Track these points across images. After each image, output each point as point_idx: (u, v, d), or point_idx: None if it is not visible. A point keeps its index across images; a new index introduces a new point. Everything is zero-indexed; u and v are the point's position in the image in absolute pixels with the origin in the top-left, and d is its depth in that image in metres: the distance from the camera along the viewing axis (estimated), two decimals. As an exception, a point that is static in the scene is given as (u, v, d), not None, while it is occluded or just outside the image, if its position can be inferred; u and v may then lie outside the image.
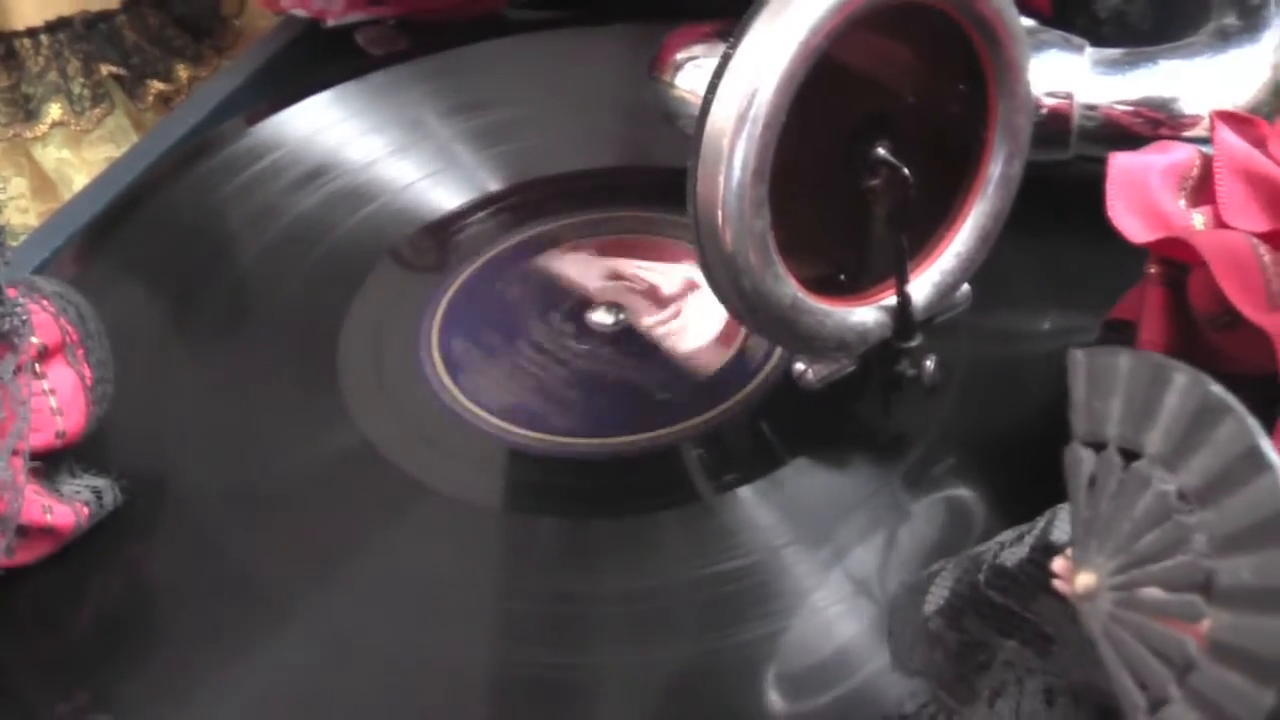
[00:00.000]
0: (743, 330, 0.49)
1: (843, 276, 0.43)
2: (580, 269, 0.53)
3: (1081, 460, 0.24)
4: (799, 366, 0.44)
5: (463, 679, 0.41)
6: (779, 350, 0.49)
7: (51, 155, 0.66)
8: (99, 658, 0.41)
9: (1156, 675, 0.23)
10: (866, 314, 0.43)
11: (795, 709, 0.38)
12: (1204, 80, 0.50)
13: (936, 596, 0.30)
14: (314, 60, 0.65)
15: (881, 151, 0.42)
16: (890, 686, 0.36)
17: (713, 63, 0.47)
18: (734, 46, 0.38)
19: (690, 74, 0.53)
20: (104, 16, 0.68)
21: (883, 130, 0.42)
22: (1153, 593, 0.23)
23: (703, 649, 0.40)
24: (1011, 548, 0.28)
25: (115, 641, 0.42)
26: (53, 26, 0.66)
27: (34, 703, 0.40)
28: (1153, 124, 0.51)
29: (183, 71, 0.70)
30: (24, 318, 0.42)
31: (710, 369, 0.48)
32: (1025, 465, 0.42)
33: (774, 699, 0.38)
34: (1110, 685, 0.25)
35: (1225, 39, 0.51)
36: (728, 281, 0.40)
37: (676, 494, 0.45)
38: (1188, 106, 0.50)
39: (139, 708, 0.40)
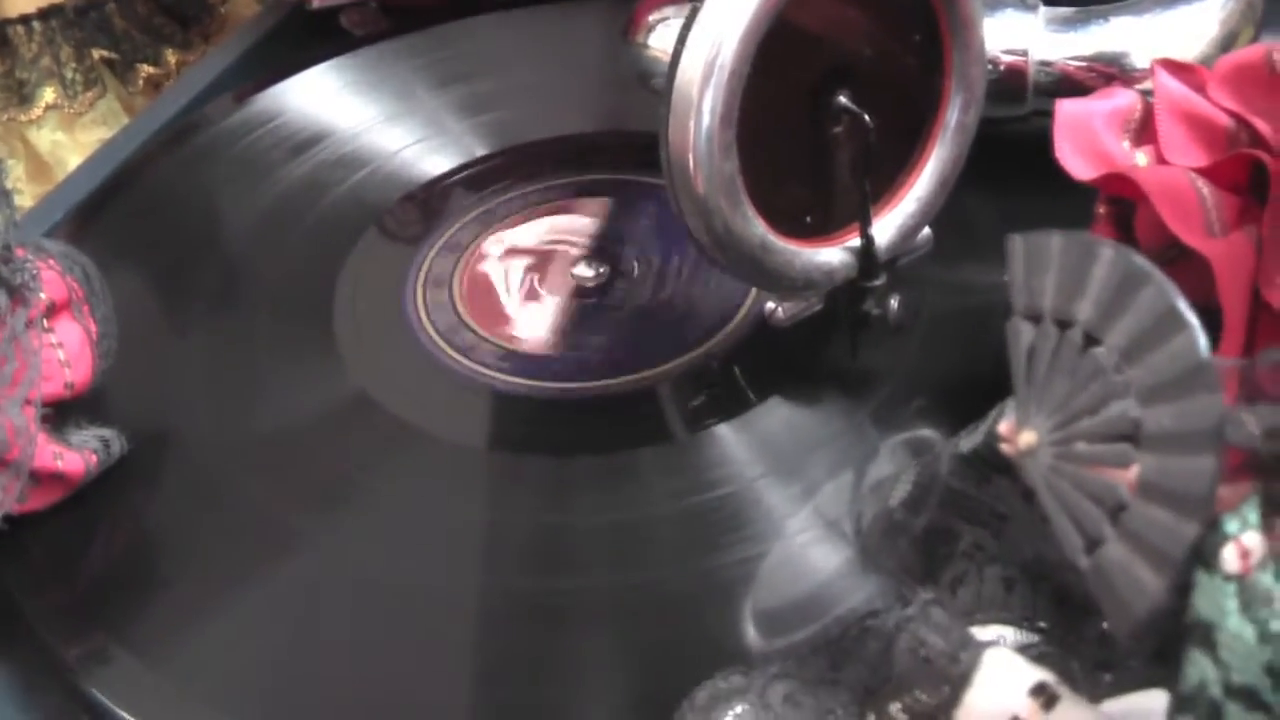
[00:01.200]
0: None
1: (809, 219, 0.46)
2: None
3: (1021, 333, 0.27)
4: (769, 305, 0.46)
5: (457, 605, 0.43)
6: (750, 297, 0.51)
7: (46, 138, 0.68)
8: (111, 598, 0.43)
9: (1092, 517, 0.25)
10: (832, 254, 0.46)
11: (769, 618, 0.40)
12: (1154, 36, 0.53)
13: (901, 490, 0.32)
14: (300, 42, 0.67)
15: (843, 100, 0.44)
16: (857, 591, 0.39)
17: (682, 21, 0.49)
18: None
19: (662, 34, 0.55)
20: (94, 4, 0.70)
21: (844, 81, 0.44)
22: (1086, 445, 0.26)
23: (683, 573, 0.42)
24: (967, 437, 0.31)
25: (127, 582, 0.44)
26: (45, 14, 0.68)
27: (51, 644, 0.42)
28: (1105, 78, 0.53)
29: (171, 57, 0.72)
30: (34, 273, 0.44)
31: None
32: (986, 405, 0.44)
33: (749, 610, 0.40)
34: (1057, 555, 0.27)
35: (1174, -4, 0.53)
36: (699, 223, 0.43)
37: (656, 433, 0.48)
38: (1139, 61, 0.53)
39: (153, 644, 0.42)
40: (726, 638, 0.39)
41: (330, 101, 0.63)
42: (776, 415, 0.47)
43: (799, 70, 0.43)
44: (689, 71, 0.41)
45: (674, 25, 0.54)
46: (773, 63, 0.42)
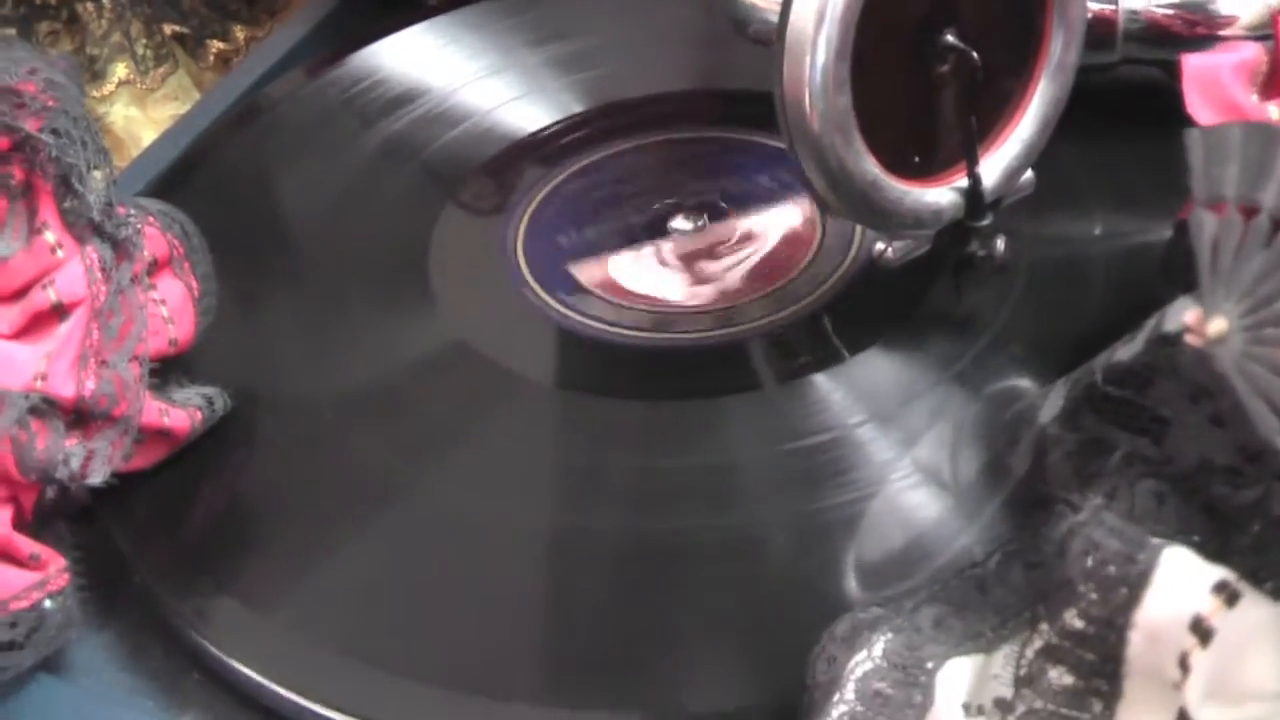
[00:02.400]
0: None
1: (917, 159, 0.45)
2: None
3: (1204, 222, 0.26)
4: (879, 246, 0.46)
5: (558, 547, 0.43)
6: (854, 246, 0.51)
7: (120, 114, 0.68)
8: (218, 552, 0.43)
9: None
10: (940, 194, 0.46)
11: (868, 567, 0.40)
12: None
13: (1052, 405, 0.32)
14: (370, 15, 0.67)
15: (950, 38, 0.44)
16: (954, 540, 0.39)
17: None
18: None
19: (758, -20, 0.55)
20: (161, -19, 0.70)
21: (949, 19, 0.44)
22: (1277, 329, 0.25)
23: (783, 515, 0.42)
24: (1124, 348, 0.30)
25: (233, 536, 0.44)
26: (113, -10, 0.68)
27: (161, 599, 0.42)
28: (1190, 25, 0.53)
29: (240, 33, 0.72)
30: (138, 228, 0.44)
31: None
32: (1086, 354, 0.44)
33: (848, 559, 0.40)
34: (1225, 455, 0.27)
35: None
36: (813, 160, 0.42)
37: (755, 379, 0.48)
38: (1224, 7, 0.52)
39: (260, 594, 0.42)
40: (830, 583, 0.39)
41: (423, 61, 0.63)
42: (877, 363, 0.47)
43: (905, 8, 0.43)
44: (803, 6, 0.40)
45: (770, -28, 0.54)
46: (880, 1, 0.41)
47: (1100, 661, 0.28)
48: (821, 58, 0.41)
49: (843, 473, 0.43)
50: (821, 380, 0.46)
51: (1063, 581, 0.28)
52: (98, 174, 0.43)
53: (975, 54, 0.43)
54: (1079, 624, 0.28)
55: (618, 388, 0.48)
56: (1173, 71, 0.55)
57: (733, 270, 0.51)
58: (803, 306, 0.49)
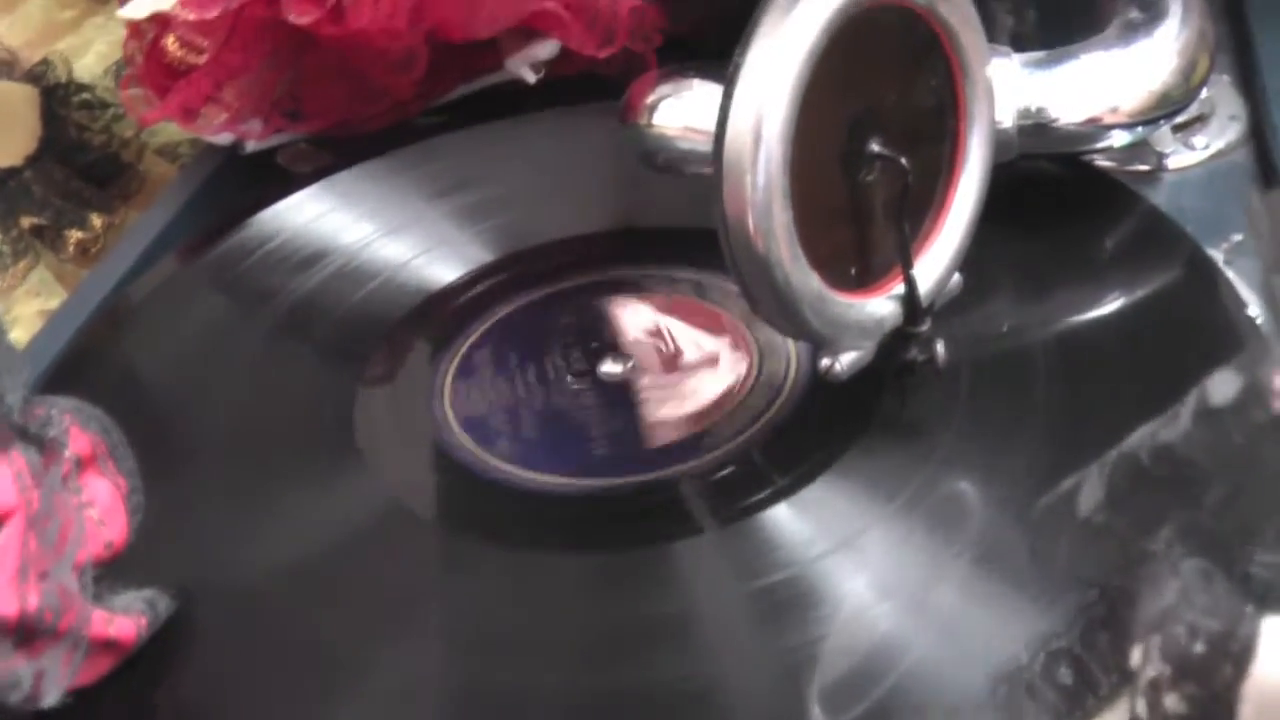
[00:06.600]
0: (713, 414, 0.50)
1: (853, 270, 0.45)
2: (632, 317, 0.54)
3: (1276, 286, 0.26)
4: (824, 362, 0.45)
5: (516, 710, 0.41)
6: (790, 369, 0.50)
7: (-17, 312, 0.65)
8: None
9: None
10: (879, 304, 0.45)
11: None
12: (1120, 69, 0.54)
13: (1091, 499, 0.32)
14: (240, 187, 0.65)
15: (876, 146, 0.44)
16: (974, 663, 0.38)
17: (684, 96, 0.49)
18: (743, 52, 0.40)
19: (666, 110, 0.55)
20: (10, 174, 0.67)
21: (871, 129, 0.44)
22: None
23: (748, 659, 0.41)
24: (1166, 429, 0.30)
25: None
26: (-37, 188, 0.65)
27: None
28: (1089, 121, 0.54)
29: (96, 220, 0.70)
30: (64, 426, 0.42)
31: (661, 441, 0.49)
32: (1049, 444, 0.45)
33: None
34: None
35: (1133, 30, 0.54)
36: (760, 280, 0.42)
37: (702, 521, 0.46)
38: (1114, 97, 0.54)
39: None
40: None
41: (319, 223, 0.61)
42: (833, 488, 0.46)
43: (830, 121, 0.43)
44: (740, 124, 0.40)
45: (677, 99, 0.54)
46: (808, 112, 0.41)
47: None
48: (762, 175, 0.40)
49: (809, 608, 0.41)
50: (774, 515, 0.45)
51: (1157, 665, 0.28)
52: (8, 378, 0.41)
53: (904, 159, 0.43)
54: (1181, 707, 0.27)
55: (559, 541, 0.47)
56: (1065, 163, 0.56)
57: (667, 408, 0.50)
58: (745, 439, 0.48)
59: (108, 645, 0.42)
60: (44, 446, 0.41)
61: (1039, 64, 0.54)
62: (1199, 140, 0.59)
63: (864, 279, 0.46)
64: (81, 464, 0.43)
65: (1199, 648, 0.27)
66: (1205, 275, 0.51)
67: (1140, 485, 0.30)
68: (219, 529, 0.48)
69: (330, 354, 0.55)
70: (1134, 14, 0.55)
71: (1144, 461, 0.30)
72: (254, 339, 0.56)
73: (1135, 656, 0.28)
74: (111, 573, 0.44)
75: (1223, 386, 0.28)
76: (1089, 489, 0.31)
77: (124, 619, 0.42)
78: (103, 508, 0.43)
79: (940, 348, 0.47)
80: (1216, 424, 0.28)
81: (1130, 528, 0.30)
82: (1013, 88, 0.53)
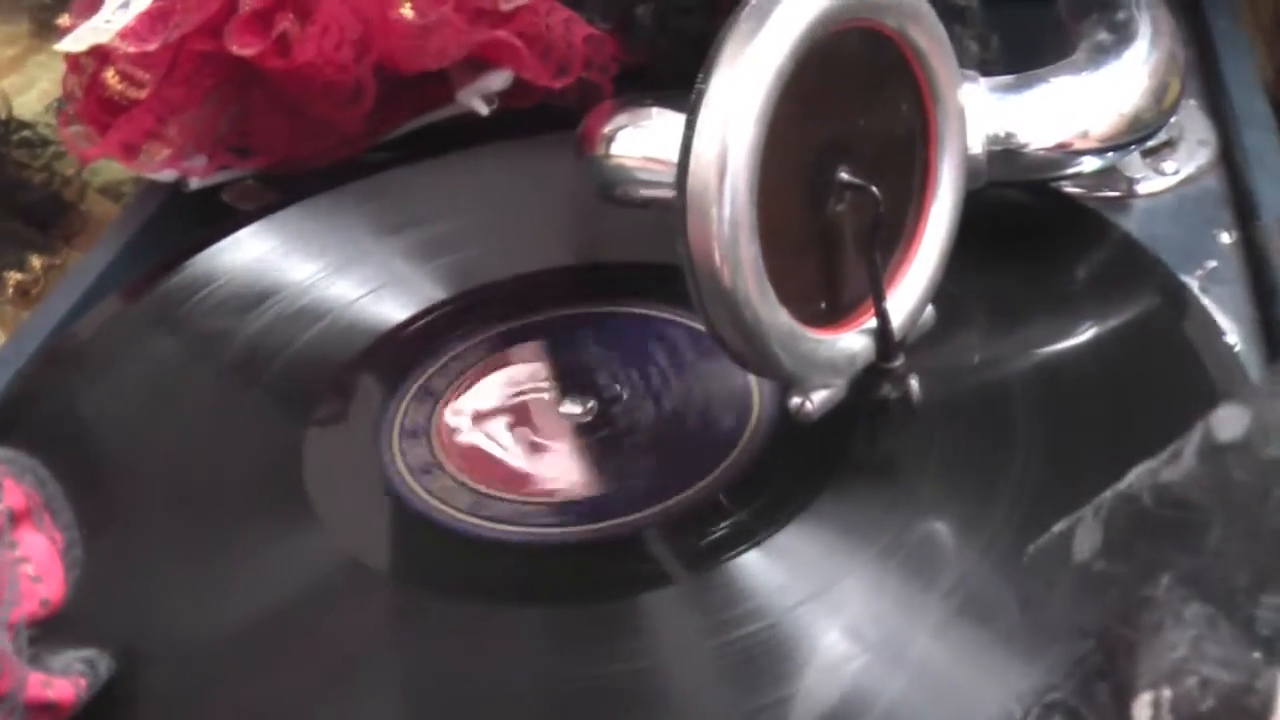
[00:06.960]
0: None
1: (822, 305, 0.44)
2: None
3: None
4: (795, 401, 0.43)
5: None
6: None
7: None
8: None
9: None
10: (851, 340, 0.44)
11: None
12: (1092, 94, 0.53)
13: (1087, 543, 0.30)
14: (184, 226, 0.63)
15: (845, 175, 0.42)
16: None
17: (643, 126, 0.47)
18: (705, 81, 0.39)
19: (624, 140, 0.53)
20: (-51, 216, 0.65)
21: (841, 157, 0.43)
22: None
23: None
24: (1167, 469, 0.28)
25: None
26: (-104, 232, 0.63)
27: None
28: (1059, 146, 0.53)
29: (36, 261, 0.68)
30: (-4, 481, 0.40)
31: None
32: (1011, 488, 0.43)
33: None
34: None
35: (1103, 53, 0.53)
36: (728, 317, 0.40)
37: (666, 571, 0.44)
38: (1084, 121, 0.52)
39: None
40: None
41: (265, 261, 0.59)
42: (807, 534, 0.44)
43: (797, 151, 0.41)
44: (704, 154, 0.38)
45: (635, 130, 0.52)
46: (774, 142, 0.39)
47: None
48: (728, 207, 0.39)
49: (781, 660, 0.39)
50: (748, 563, 0.43)
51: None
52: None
53: (875, 189, 0.42)
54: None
55: (523, 593, 0.45)
56: (1035, 190, 0.55)
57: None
58: (711, 482, 0.46)
59: (45, 708, 0.39)
60: (-26, 501, 0.39)
61: (1007, 89, 0.52)
62: (1169, 165, 0.58)
63: (834, 313, 0.44)
64: (15, 518, 0.41)
65: (1211, 702, 0.25)
66: (1180, 303, 0.50)
67: (1141, 528, 0.28)
68: (162, 585, 0.46)
69: (278, 397, 0.53)
70: (1103, 36, 0.54)
71: (1146, 503, 0.28)
72: (199, 383, 0.54)
73: (1141, 710, 0.27)
74: (49, 632, 0.41)
75: (1226, 425, 0.27)
76: (1084, 532, 0.30)
77: (62, 681, 0.40)
78: (38, 563, 0.41)
79: (914, 384, 0.45)
80: (1220, 462, 0.26)
81: (1130, 573, 0.28)
82: (981, 113, 0.51)
